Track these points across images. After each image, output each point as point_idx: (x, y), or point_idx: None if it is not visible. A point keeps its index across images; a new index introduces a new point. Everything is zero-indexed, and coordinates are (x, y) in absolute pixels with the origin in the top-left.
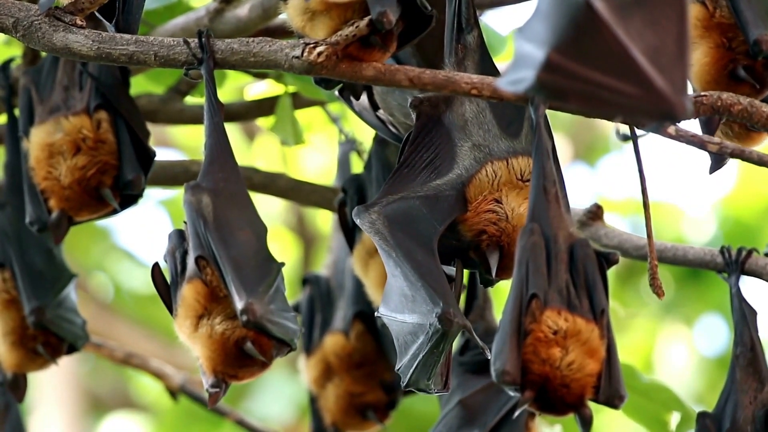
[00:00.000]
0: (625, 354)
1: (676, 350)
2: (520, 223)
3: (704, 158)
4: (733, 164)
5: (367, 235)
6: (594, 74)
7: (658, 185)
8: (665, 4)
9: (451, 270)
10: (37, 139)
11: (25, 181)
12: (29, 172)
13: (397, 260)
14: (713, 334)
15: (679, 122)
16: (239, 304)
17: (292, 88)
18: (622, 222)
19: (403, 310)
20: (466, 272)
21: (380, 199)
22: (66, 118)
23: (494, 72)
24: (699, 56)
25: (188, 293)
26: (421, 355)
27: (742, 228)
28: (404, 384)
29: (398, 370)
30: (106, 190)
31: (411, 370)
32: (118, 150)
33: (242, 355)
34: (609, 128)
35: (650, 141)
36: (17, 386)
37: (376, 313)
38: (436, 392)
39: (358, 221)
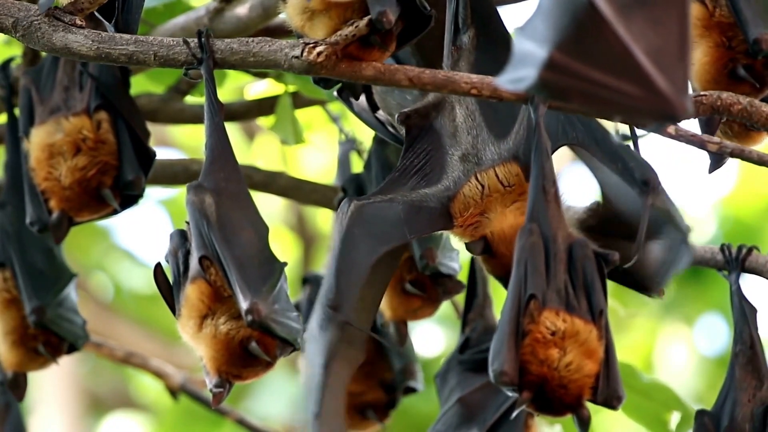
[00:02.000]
0: (625, 354)
1: (676, 350)
2: (505, 220)
3: (704, 158)
4: (733, 164)
5: None
6: (595, 73)
7: None
8: (667, 4)
9: None
10: (37, 140)
11: (25, 182)
12: (30, 172)
13: (333, 252)
14: (713, 333)
15: (679, 123)
16: (244, 304)
17: (292, 88)
18: None
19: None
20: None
21: (369, 196)
22: (66, 118)
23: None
24: (698, 55)
25: (192, 293)
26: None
27: (742, 228)
28: None
29: None
30: (107, 190)
31: None
32: (119, 150)
33: (247, 355)
34: (609, 128)
35: (650, 141)
36: (17, 385)
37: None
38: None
39: (338, 209)
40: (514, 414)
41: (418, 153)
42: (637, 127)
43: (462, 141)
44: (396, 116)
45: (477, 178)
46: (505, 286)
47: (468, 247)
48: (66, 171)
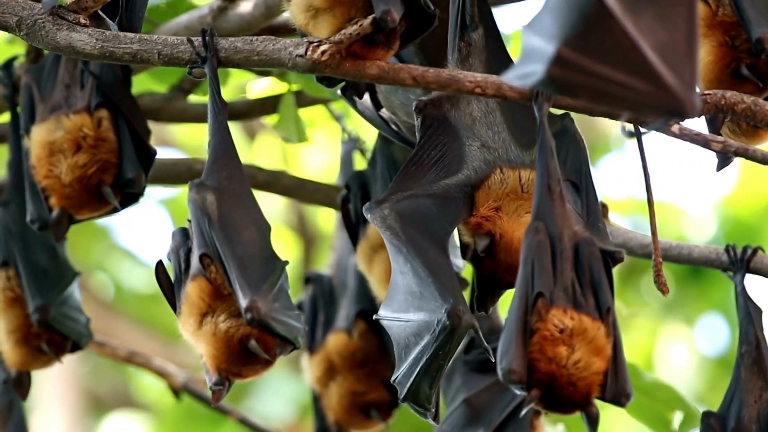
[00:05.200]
0: (625, 353)
1: (676, 350)
2: (517, 230)
3: (706, 157)
4: (734, 164)
5: (377, 230)
6: (604, 69)
7: (659, 185)
8: (675, 1)
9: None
10: (38, 138)
11: (25, 179)
12: (30, 170)
13: (408, 256)
14: (714, 333)
15: (686, 119)
16: (243, 302)
17: (295, 86)
18: (623, 221)
19: (409, 309)
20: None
21: (390, 195)
22: (67, 116)
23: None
24: (702, 54)
25: (192, 291)
26: (424, 359)
27: (743, 228)
28: (402, 396)
29: (395, 380)
30: (107, 188)
31: (411, 378)
32: (119, 148)
33: (246, 353)
34: (610, 128)
35: (651, 140)
36: (21, 384)
37: (375, 316)
38: (430, 418)
39: (369, 216)
40: (523, 413)
41: (435, 144)
42: (645, 124)
43: (481, 133)
44: (413, 104)
45: (502, 171)
46: (483, 284)
47: (475, 241)
48: (66, 169)
